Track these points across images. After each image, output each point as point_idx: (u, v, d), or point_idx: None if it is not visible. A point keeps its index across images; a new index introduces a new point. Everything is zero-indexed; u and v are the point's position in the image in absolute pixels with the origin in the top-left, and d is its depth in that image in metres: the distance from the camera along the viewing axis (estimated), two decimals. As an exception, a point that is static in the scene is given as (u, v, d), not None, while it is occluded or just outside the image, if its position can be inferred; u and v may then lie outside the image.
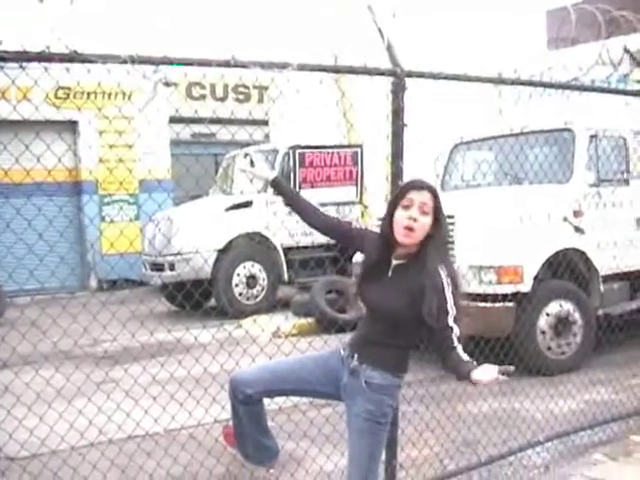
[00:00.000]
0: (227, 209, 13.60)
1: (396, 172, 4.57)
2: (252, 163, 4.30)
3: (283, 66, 4.05)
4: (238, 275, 13.37)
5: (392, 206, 3.55)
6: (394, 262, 3.59)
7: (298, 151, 3.56)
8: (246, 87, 20.69)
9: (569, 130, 9.32)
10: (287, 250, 13.96)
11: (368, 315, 3.73)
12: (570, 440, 6.07)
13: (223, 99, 20.47)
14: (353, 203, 4.17)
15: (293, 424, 5.85)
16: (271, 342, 9.49)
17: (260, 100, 20.71)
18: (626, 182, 9.46)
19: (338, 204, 4.17)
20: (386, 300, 3.52)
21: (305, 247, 14.15)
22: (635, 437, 6.24)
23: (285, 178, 14.09)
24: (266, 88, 19.70)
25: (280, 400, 6.05)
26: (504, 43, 21.39)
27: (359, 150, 4.75)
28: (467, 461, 5.44)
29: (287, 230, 13.45)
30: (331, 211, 14.23)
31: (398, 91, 4.47)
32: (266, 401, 5.85)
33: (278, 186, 4.04)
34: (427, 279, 3.41)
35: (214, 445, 5.79)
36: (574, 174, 9.13)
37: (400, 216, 3.48)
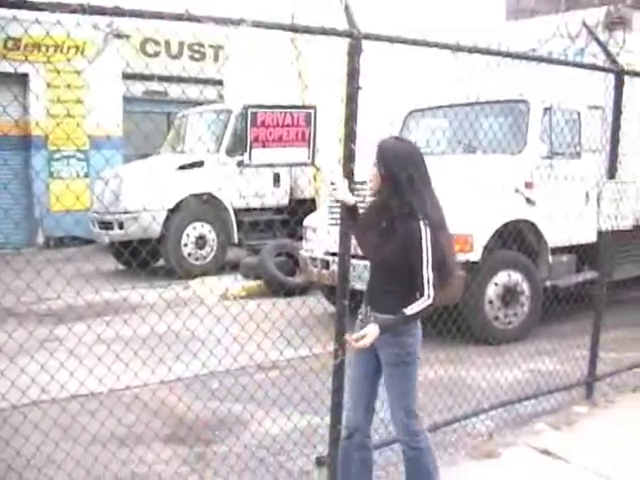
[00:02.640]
0: (178, 168, 13.43)
1: (349, 135, 4.50)
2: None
3: (238, 22, 3.94)
4: (188, 235, 13.25)
5: None
6: (386, 215, 3.92)
7: (250, 110, 3.50)
8: (201, 45, 20.42)
9: (524, 101, 9.33)
10: (238, 211, 13.85)
11: (372, 267, 4.13)
12: (514, 409, 6.14)
13: (178, 56, 20.19)
14: (305, 164, 4.10)
15: (240, 387, 5.83)
16: (219, 304, 9.49)
17: (215, 59, 20.46)
18: (578, 156, 9.51)
19: (289, 165, 4.11)
20: (381, 248, 3.91)
21: (256, 209, 14.07)
22: (578, 407, 6.31)
23: (239, 139, 13.97)
24: (222, 47, 19.45)
25: (227, 362, 6.03)
26: (463, 12, 21.36)
27: (312, 111, 4.64)
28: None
29: (238, 191, 13.36)
30: (283, 172, 14.27)
31: (354, 53, 4.38)
32: (213, 362, 5.84)
33: (353, 209, 4.25)
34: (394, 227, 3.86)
35: (160, 407, 5.74)
36: (527, 146, 9.15)
37: None
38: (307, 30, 4.23)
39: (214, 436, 5.71)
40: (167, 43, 20.07)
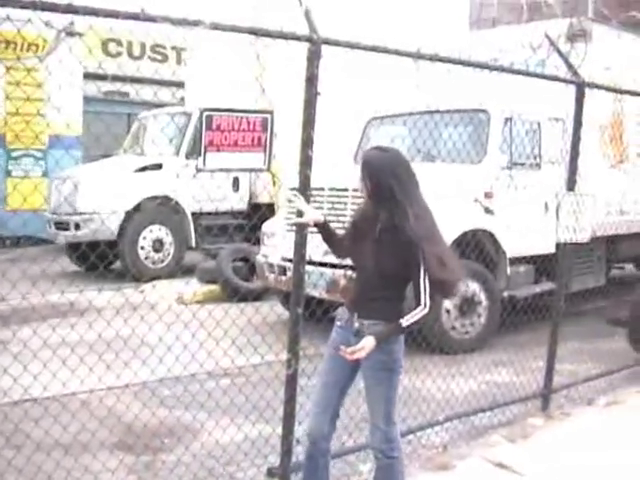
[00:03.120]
0: (136, 170, 13.24)
1: (306, 140, 4.43)
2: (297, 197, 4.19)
3: (195, 23, 3.85)
4: (144, 238, 13.06)
5: None
6: (379, 225, 3.90)
7: (205, 113, 3.42)
8: (163, 47, 20.28)
9: (484, 111, 9.33)
10: (195, 215, 13.69)
11: (361, 275, 4.08)
12: (469, 421, 6.09)
13: (139, 58, 20.01)
14: (260, 170, 4.03)
15: (190, 395, 5.72)
16: (173, 308, 9.36)
17: (177, 61, 20.31)
18: (538, 167, 9.52)
19: (244, 170, 4.05)
20: (374, 257, 3.86)
21: (214, 213, 13.94)
22: (533, 419, 6.29)
23: (198, 143, 13.81)
24: (184, 49, 19.28)
25: (178, 369, 5.93)
26: (427, 21, 21.36)
27: (269, 116, 4.60)
28: (365, 438, 5.35)
29: (196, 195, 13.22)
30: (243, 176, 14.14)
31: (313, 58, 4.31)
32: (162, 370, 5.73)
33: (325, 228, 4.15)
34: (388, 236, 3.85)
35: (107, 414, 5.59)
36: (487, 155, 9.14)
37: None
38: (266, 34, 4.15)
39: (163, 445, 5.58)
40: (129, 44, 19.90)
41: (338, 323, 4.10)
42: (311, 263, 8.59)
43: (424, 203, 3.93)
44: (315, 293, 8.21)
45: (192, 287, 11.78)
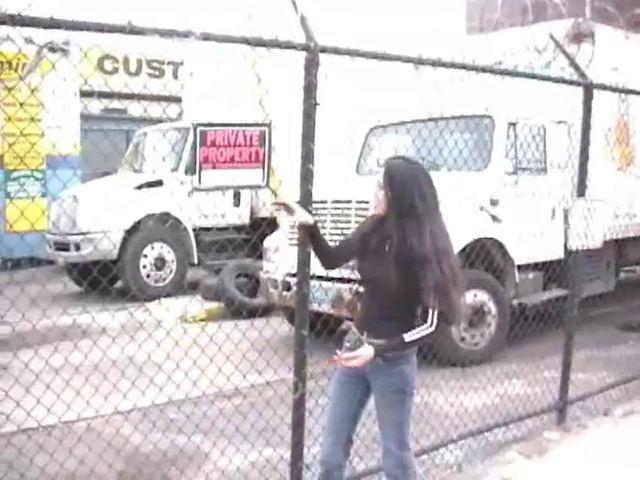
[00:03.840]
0: (136, 188, 13.06)
1: (306, 154, 4.25)
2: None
3: (185, 35, 3.67)
4: (146, 256, 12.85)
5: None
6: (388, 240, 3.75)
7: (199, 128, 3.28)
8: (160, 62, 20.13)
9: (488, 117, 9.15)
10: (197, 231, 13.50)
11: (369, 292, 3.91)
12: (484, 437, 5.87)
13: (136, 74, 19.86)
14: (259, 187, 3.89)
15: (195, 420, 5.54)
16: (177, 326, 9.18)
17: (175, 76, 20.15)
18: (544, 171, 9.35)
19: (241, 188, 3.91)
20: (383, 272, 3.68)
21: (216, 228, 13.74)
22: (549, 433, 6.09)
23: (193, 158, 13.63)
24: (181, 64, 19.14)
25: (182, 394, 5.73)
26: (423, 26, 21.20)
27: (267, 129, 4.43)
28: (377, 460, 5.16)
29: (198, 211, 13.06)
30: (244, 190, 13.96)
31: (311, 67, 4.14)
32: (167, 392, 5.53)
33: (316, 230, 4.02)
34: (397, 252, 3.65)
35: (114, 437, 5.41)
36: (492, 162, 8.96)
37: None
38: (260, 43, 3.97)
39: (167, 473, 5.39)
40: (126, 60, 19.75)
41: (347, 345, 3.93)
42: (314, 277, 8.44)
43: (442, 222, 3.82)
44: (320, 309, 8.04)
45: (196, 305, 11.61)
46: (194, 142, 3.80)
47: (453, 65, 5.10)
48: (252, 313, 10.10)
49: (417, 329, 3.62)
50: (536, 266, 9.26)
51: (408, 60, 4.69)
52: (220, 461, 5.20)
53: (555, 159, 9.40)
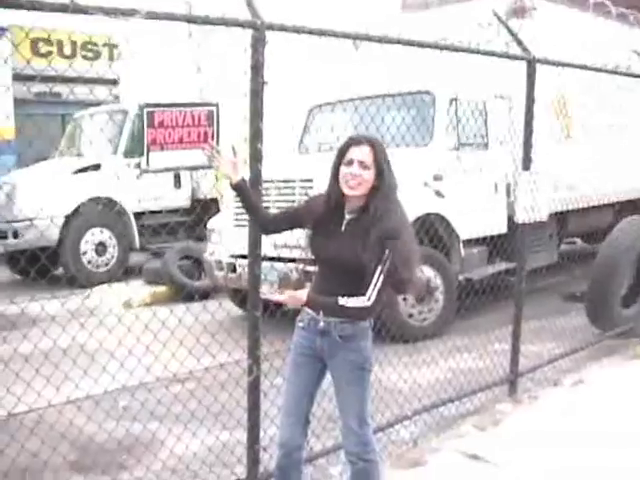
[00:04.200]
0: (75, 172, 12.82)
1: (255, 133, 4.20)
2: (234, 151, 3.86)
3: (130, 13, 3.58)
4: (87, 242, 12.65)
5: (336, 163, 3.71)
6: (347, 216, 3.72)
7: (146, 109, 3.19)
8: (95, 44, 19.76)
9: (428, 93, 9.16)
10: (138, 215, 13.31)
11: (324, 271, 3.82)
12: (438, 412, 5.90)
13: (71, 56, 19.46)
14: (209, 167, 3.82)
15: (148, 406, 5.47)
16: (123, 312, 9.05)
17: (110, 58, 19.81)
18: (485, 147, 9.41)
19: (191, 168, 3.82)
20: (342, 251, 3.62)
21: (157, 212, 13.56)
22: (501, 406, 6.16)
23: (136, 140, 13.44)
24: (116, 45, 18.82)
25: (134, 380, 5.64)
26: (357, 5, 21.09)
27: (215, 109, 4.42)
28: (334, 439, 5.16)
29: (137, 194, 12.87)
30: (184, 173, 13.82)
31: (258, 45, 4.08)
32: (106, 380, 5.45)
33: (240, 190, 3.89)
34: (372, 230, 3.55)
35: (67, 428, 5.29)
36: (434, 138, 9.00)
37: (343, 173, 3.64)
38: (206, 21, 3.89)
39: (123, 462, 5.31)
40: (60, 43, 19.32)
41: (300, 324, 3.85)
42: (263, 259, 8.38)
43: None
44: (266, 290, 7.97)
45: (139, 289, 11.48)
46: (141, 123, 3.69)
47: (399, 41, 5.06)
48: (196, 295, 10.11)
49: (354, 298, 3.56)
50: (480, 241, 9.32)
51: (356, 37, 4.65)
52: (177, 447, 5.13)
53: (496, 134, 9.45)
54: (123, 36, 12.77)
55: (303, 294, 3.62)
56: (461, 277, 8.91)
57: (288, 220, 4.01)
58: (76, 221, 12.55)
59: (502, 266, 9.53)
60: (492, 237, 9.27)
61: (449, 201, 8.73)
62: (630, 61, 8.50)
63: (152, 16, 3.67)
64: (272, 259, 8.10)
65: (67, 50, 19.68)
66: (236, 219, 9.03)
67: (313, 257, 3.87)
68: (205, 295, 10.51)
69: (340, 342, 3.68)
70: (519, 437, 5.52)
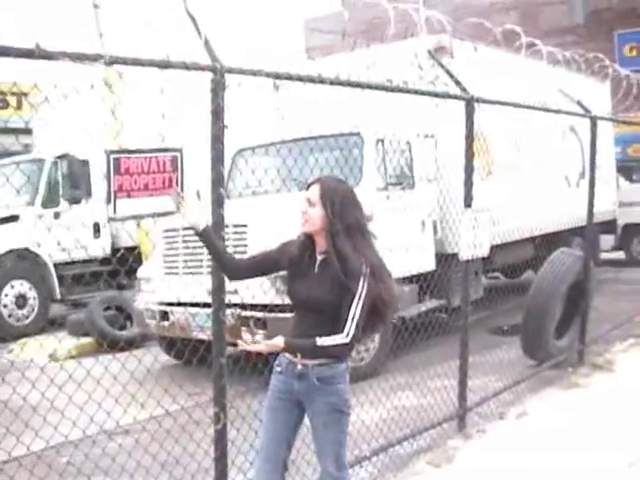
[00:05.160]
0: (-9, 224, 12.50)
1: (217, 178, 4.18)
2: (199, 196, 3.83)
3: (95, 58, 3.55)
4: (6, 295, 12.25)
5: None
6: (319, 257, 3.75)
7: (112, 155, 3.13)
8: (2, 93, 19.31)
9: (357, 134, 9.26)
10: (58, 265, 12.99)
11: (301, 313, 3.81)
12: (393, 450, 5.90)
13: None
14: (173, 213, 3.79)
15: (92, 461, 5.31)
16: (49, 366, 8.77)
17: (19, 107, 19.38)
18: (412, 185, 9.54)
19: (158, 215, 3.75)
20: (314, 292, 3.66)
21: (77, 262, 13.31)
22: (452, 441, 6.21)
23: (53, 190, 13.18)
24: (25, 94, 18.39)
25: (65, 429, 5.40)
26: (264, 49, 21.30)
27: (179, 154, 4.34)
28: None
29: (57, 244, 12.57)
30: (102, 221, 13.59)
31: (218, 89, 4.08)
32: (48, 433, 5.28)
33: (207, 236, 3.89)
34: (334, 270, 3.60)
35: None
36: (363, 178, 9.07)
37: None
38: (167, 65, 3.87)
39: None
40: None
41: (278, 369, 3.84)
42: (197, 305, 8.31)
43: (371, 236, 3.87)
44: (203, 336, 7.87)
45: (64, 342, 11.18)
46: (107, 170, 3.64)
47: (350, 84, 5.10)
48: (124, 346, 9.82)
49: (333, 336, 3.55)
50: (410, 279, 9.41)
51: (310, 80, 4.69)
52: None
53: (422, 172, 9.62)
54: (34, 83, 12.50)
55: (279, 340, 3.59)
56: (395, 316, 8.96)
57: (259, 266, 4.01)
58: (-5, 273, 12.18)
59: (433, 303, 9.66)
60: (420, 275, 9.39)
61: (380, 241, 8.76)
62: (556, 98, 8.76)
63: (115, 61, 3.64)
64: (203, 305, 8.05)
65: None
66: (167, 267, 8.93)
67: (290, 301, 3.89)
68: (134, 344, 10.31)
69: (318, 385, 3.66)
70: (474, 474, 5.58)
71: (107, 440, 6.15)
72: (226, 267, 4.00)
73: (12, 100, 19.48)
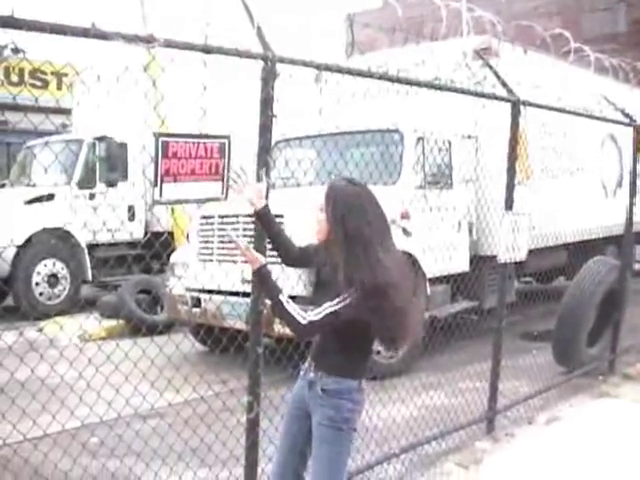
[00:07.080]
0: (27, 202, 12.60)
1: (264, 166, 4.17)
2: (244, 173, 3.77)
3: (148, 41, 3.54)
4: (39, 273, 12.39)
5: None
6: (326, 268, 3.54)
7: (161, 139, 3.13)
8: (43, 72, 19.51)
9: (397, 131, 9.22)
10: (91, 247, 13.13)
11: None
12: (422, 449, 5.88)
13: (19, 84, 19.19)
14: (219, 200, 3.79)
15: (122, 441, 5.33)
16: (77, 346, 8.81)
17: (59, 87, 19.58)
18: (450, 185, 9.50)
19: (202, 201, 3.75)
20: (321, 302, 3.36)
21: (110, 244, 13.42)
22: (480, 444, 6.17)
23: (90, 171, 13.28)
24: (65, 74, 18.57)
25: (101, 410, 5.42)
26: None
27: (227, 141, 4.32)
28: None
29: (91, 226, 12.66)
30: (138, 204, 13.70)
31: (269, 78, 4.07)
32: (83, 412, 5.29)
33: (266, 216, 3.78)
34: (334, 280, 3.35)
35: (23, 467, 5.11)
36: (401, 176, 9.04)
37: None
38: (220, 51, 3.87)
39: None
40: (7, 70, 19.04)
41: (301, 373, 3.71)
42: (231, 293, 8.31)
43: (393, 248, 3.52)
44: (238, 325, 7.89)
45: (92, 323, 11.24)
46: (155, 153, 3.63)
47: (399, 80, 5.07)
48: (153, 330, 9.85)
49: (298, 310, 3.33)
50: (444, 279, 9.38)
51: (358, 73, 4.67)
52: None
53: (461, 173, 9.57)
54: (77, 65, 12.55)
55: (260, 260, 3.44)
56: (427, 315, 8.93)
57: (306, 257, 3.86)
58: (28, 252, 12.29)
59: (465, 304, 9.62)
60: (454, 276, 9.35)
61: (416, 239, 8.78)
62: (600, 105, 8.67)
63: (169, 44, 3.64)
64: (237, 294, 8.07)
65: (14, 77, 19.43)
66: (201, 253, 8.95)
67: None
68: (164, 329, 10.33)
69: (321, 395, 3.50)
70: (501, 475, 5.56)
71: (141, 422, 6.21)
72: (282, 249, 3.83)
73: (52, 80, 19.67)
